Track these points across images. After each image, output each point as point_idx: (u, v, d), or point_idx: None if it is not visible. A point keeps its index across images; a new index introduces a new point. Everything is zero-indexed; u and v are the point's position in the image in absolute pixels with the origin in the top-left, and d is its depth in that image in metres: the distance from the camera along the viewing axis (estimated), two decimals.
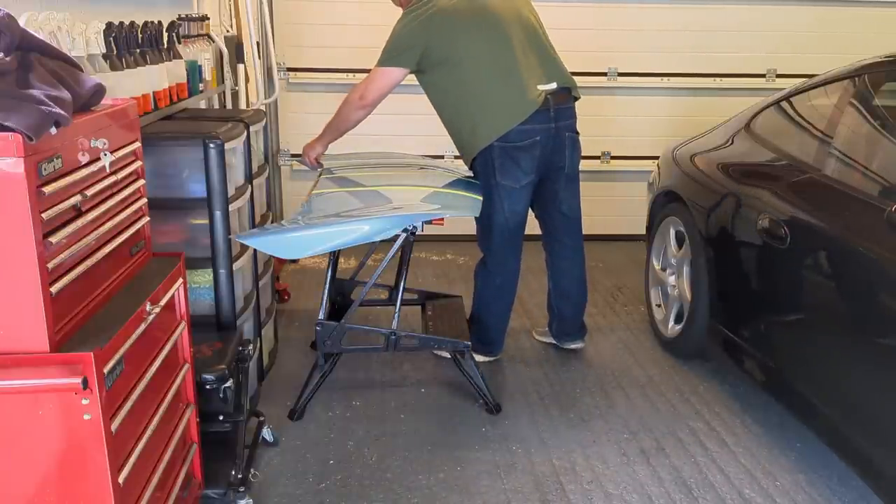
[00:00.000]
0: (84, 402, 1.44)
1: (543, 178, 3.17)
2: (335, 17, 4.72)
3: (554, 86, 3.08)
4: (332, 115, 4.98)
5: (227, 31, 3.78)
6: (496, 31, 3.06)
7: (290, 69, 4.79)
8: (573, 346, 3.50)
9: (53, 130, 1.41)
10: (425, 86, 3.19)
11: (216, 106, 3.59)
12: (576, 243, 3.34)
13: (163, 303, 1.82)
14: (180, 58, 2.85)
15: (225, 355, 2.33)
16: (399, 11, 3.18)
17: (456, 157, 4.80)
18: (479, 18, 3.04)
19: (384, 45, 3.09)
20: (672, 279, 3.49)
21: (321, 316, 2.95)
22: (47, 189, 1.41)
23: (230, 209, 2.55)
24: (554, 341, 3.53)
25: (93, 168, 1.60)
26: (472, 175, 3.22)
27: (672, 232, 3.51)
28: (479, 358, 3.23)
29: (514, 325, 3.77)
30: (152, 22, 2.61)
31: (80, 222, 1.54)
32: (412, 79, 4.80)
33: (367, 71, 4.98)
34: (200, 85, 3.10)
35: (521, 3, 3.17)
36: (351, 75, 4.79)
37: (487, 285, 3.26)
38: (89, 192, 1.58)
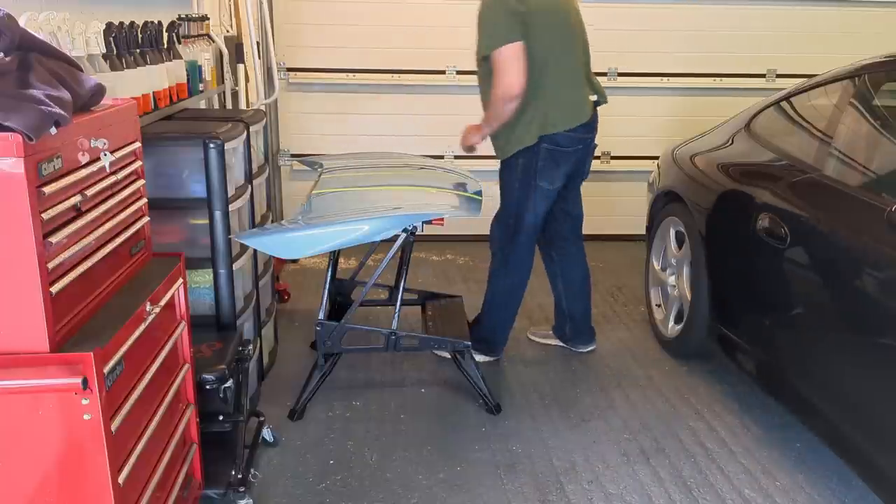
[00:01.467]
0: (84, 402, 1.44)
1: (565, 183, 3.18)
2: (335, 17, 4.73)
3: (595, 97, 3.13)
4: (331, 114, 5.01)
5: (227, 31, 3.78)
6: (566, 29, 3.03)
7: (290, 69, 4.79)
8: (588, 348, 3.49)
9: (53, 130, 1.41)
10: (485, 69, 3.01)
11: (216, 106, 3.59)
12: (580, 241, 3.38)
13: (163, 303, 1.82)
14: (180, 58, 2.85)
15: (225, 355, 2.33)
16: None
17: (456, 157, 4.83)
18: (554, 10, 3.00)
19: (482, 33, 2.94)
20: (672, 279, 3.49)
21: (321, 316, 2.95)
22: (47, 189, 1.41)
23: (230, 209, 2.55)
24: (560, 343, 3.52)
25: (93, 168, 1.60)
26: (473, 175, 3.22)
27: (672, 232, 3.51)
28: (481, 358, 3.24)
29: (515, 325, 3.77)
30: (152, 22, 2.61)
31: (80, 222, 1.54)
32: (411, 79, 4.87)
33: (368, 71, 4.99)
34: (200, 85, 3.10)
35: (576, 5, 3.13)
36: (351, 75, 4.80)
37: (505, 284, 3.24)
38: (89, 193, 1.58)
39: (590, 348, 3.49)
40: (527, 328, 3.73)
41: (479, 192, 3.02)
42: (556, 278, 3.42)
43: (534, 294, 4.09)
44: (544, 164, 3.03)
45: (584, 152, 3.15)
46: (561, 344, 3.52)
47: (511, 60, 2.86)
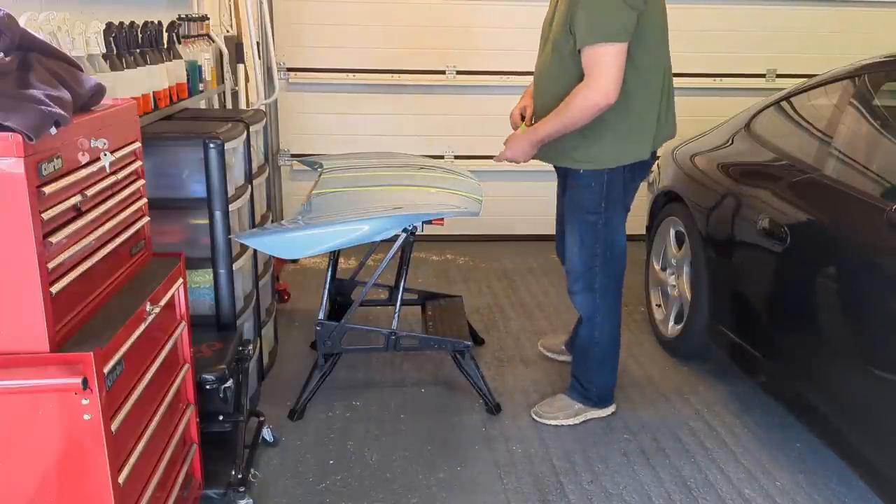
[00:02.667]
0: (84, 402, 1.44)
1: None
2: (335, 17, 4.73)
3: None
4: (331, 114, 5.00)
5: (227, 31, 3.78)
6: (665, 28, 2.65)
7: (290, 69, 4.79)
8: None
9: (53, 130, 1.41)
10: (572, 62, 2.53)
11: (216, 106, 3.59)
12: None
13: (163, 303, 1.82)
14: (180, 58, 2.85)
15: (225, 355, 2.33)
16: None
17: (456, 157, 4.83)
18: (663, 6, 2.62)
19: (589, 16, 2.43)
20: (672, 279, 3.49)
21: (321, 316, 2.95)
22: (47, 189, 1.41)
23: (230, 209, 2.55)
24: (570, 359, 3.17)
25: (93, 168, 1.60)
26: (473, 175, 3.22)
27: (672, 232, 3.51)
28: (599, 413, 2.93)
29: (514, 325, 3.78)
30: (152, 22, 2.61)
31: (80, 222, 1.54)
32: (411, 79, 4.87)
33: (368, 71, 4.98)
34: (200, 85, 3.11)
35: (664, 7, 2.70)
36: (351, 75, 4.81)
37: (611, 325, 2.83)
38: (89, 193, 1.58)
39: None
40: (527, 329, 3.74)
41: (479, 193, 3.02)
42: None
43: (535, 295, 4.11)
44: (628, 182, 2.68)
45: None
46: (567, 359, 3.24)
47: (616, 62, 2.41)
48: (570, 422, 2.90)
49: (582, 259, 2.74)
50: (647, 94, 2.58)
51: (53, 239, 1.44)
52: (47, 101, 1.42)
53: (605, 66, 2.42)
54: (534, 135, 2.65)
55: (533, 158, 2.76)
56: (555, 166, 2.86)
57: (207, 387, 2.20)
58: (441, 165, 3.53)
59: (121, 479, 1.54)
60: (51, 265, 1.44)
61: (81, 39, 2.11)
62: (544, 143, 2.65)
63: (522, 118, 2.91)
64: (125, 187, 1.78)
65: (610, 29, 2.40)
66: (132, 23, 2.45)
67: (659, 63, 2.61)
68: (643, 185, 4.00)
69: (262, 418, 2.68)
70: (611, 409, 2.97)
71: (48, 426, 1.46)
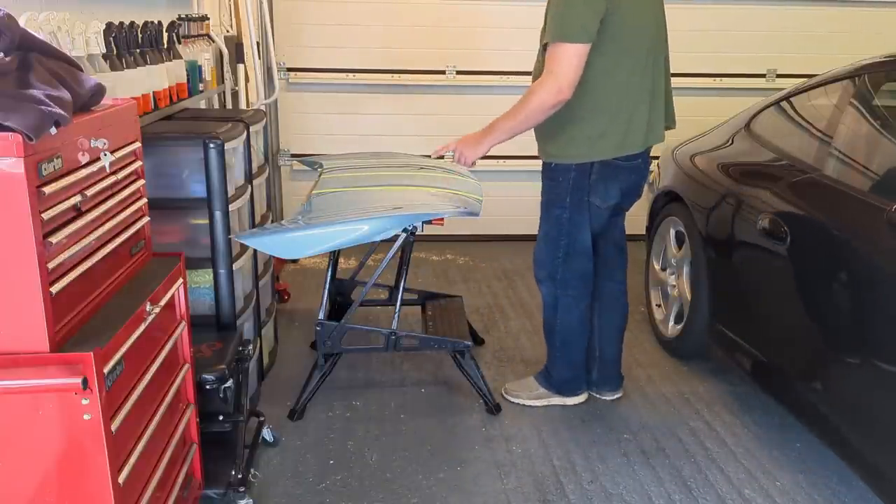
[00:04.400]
0: (84, 402, 1.44)
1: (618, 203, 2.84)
2: (335, 17, 4.73)
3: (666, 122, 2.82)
4: (331, 114, 5.00)
5: (227, 31, 3.78)
6: (655, 27, 2.67)
7: (290, 69, 4.79)
8: (615, 396, 3.08)
9: (53, 130, 1.41)
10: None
11: (216, 106, 3.59)
12: (624, 275, 3.04)
13: (163, 303, 1.82)
14: (180, 58, 2.85)
15: (225, 355, 2.33)
16: None
17: None
18: (645, 18, 2.63)
19: (553, 15, 2.51)
20: (672, 279, 3.49)
21: (321, 316, 2.95)
22: (47, 189, 1.41)
23: (230, 209, 2.55)
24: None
25: (93, 168, 1.60)
26: (473, 175, 3.21)
27: (672, 232, 3.51)
28: (570, 401, 3.00)
29: (514, 325, 3.78)
30: (152, 22, 2.61)
31: (80, 222, 1.54)
32: (411, 79, 4.87)
33: (368, 71, 4.97)
34: (200, 85, 3.11)
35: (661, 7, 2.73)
36: (351, 75, 4.81)
37: (573, 314, 2.88)
38: (89, 193, 1.58)
39: (617, 395, 3.08)
40: (527, 328, 3.74)
41: (479, 193, 3.02)
42: (593, 313, 2.99)
43: (535, 295, 4.09)
44: (597, 177, 2.68)
45: (645, 168, 2.81)
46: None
47: (571, 61, 2.47)
48: (531, 402, 3.00)
49: (546, 249, 2.85)
50: (621, 95, 2.60)
51: (53, 239, 1.44)
52: (47, 101, 1.42)
53: (559, 64, 2.48)
54: (488, 132, 2.72)
55: None
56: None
57: (207, 387, 2.20)
58: (441, 165, 3.52)
59: (121, 479, 1.54)
60: (51, 265, 1.44)
61: (81, 39, 2.11)
62: (499, 142, 2.70)
63: None
64: (125, 187, 1.78)
65: (568, 29, 2.46)
66: (132, 23, 2.45)
67: (640, 65, 2.61)
68: (643, 186, 4.02)
69: (262, 418, 2.68)
70: (578, 399, 3.03)
71: (48, 426, 1.46)
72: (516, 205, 4.92)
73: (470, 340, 3.00)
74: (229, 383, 2.28)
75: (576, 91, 2.52)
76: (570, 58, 2.47)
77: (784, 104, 3.15)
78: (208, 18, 3.39)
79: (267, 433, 2.68)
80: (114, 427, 1.51)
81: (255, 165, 2.95)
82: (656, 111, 2.73)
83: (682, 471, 2.63)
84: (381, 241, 2.71)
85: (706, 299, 3.14)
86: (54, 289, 1.44)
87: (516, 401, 3.02)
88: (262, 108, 3.86)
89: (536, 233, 2.89)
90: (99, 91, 1.69)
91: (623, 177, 2.73)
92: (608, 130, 2.62)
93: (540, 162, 2.82)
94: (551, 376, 3.01)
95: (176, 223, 2.56)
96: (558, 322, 2.91)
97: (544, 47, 2.58)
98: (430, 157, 3.07)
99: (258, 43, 4.01)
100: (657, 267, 3.68)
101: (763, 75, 5.01)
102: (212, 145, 2.45)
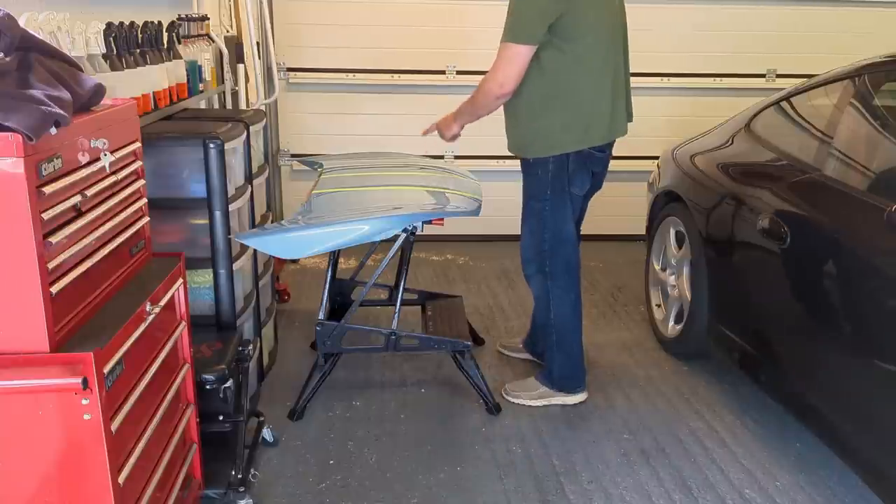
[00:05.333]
0: (84, 402, 1.44)
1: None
2: (335, 17, 4.73)
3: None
4: (331, 114, 5.00)
5: (227, 31, 3.78)
6: (612, 27, 2.78)
7: (290, 69, 4.79)
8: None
9: (53, 130, 1.41)
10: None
11: (216, 106, 3.59)
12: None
13: (163, 303, 1.82)
14: (180, 58, 2.85)
15: (225, 355, 2.33)
16: None
17: (456, 157, 4.83)
18: (608, 17, 2.76)
19: (510, 15, 2.64)
20: (672, 279, 3.49)
21: (321, 316, 2.95)
22: (47, 189, 1.41)
23: (230, 209, 2.55)
24: (531, 358, 3.33)
25: (93, 168, 1.60)
26: (473, 175, 3.22)
27: (672, 232, 3.51)
28: (571, 399, 3.01)
29: (515, 324, 3.78)
30: (152, 22, 2.61)
31: (80, 222, 1.54)
32: (411, 79, 4.87)
33: (368, 71, 4.98)
34: (200, 85, 3.10)
35: (621, 7, 2.87)
36: (351, 75, 4.80)
37: (566, 304, 2.94)
38: (89, 193, 1.58)
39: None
40: (527, 328, 3.73)
41: (479, 193, 3.02)
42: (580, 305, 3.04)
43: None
44: (575, 168, 2.79)
45: (608, 159, 2.95)
46: (532, 358, 3.32)
47: (521, 62, 2.64)
48: (532, 403, 3.01)
49: (531, 244, 2.94)
50: (591, 89, 2.74)
51: (53, 239, 1.44)
52: (47, 101, 1.42)
53: (504, 61, 2.67)
54: (456, 116, 2.99)
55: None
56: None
57: (207, 387, 2.20)
58: (441, 165, 3.53)
59: (121, 479, 1.54)
60: (51, 265, 1.44)
61: (81, 39, 2.11)
62: (466, 122, 2.97)
63: None
64: (125, 187, 1.78)
65: (517, 31, 2.62)
66: (132, 23, 2.45)
67: (606, 61, 2.75)
68: (643, 186, 4.03)
69: (262, 418, 2.68)
70: (579, 398, 3.03)
71: (48, 426, 1.46)
72: (516, 205, 4.89)
73: (470, 340, 3.00)
74: (229, 383, 2.27)
75: (538, 86, 2.70)
76: (513, 57, 2.65)
77: (784, 104, 3.15)
78: (208, 18, 3.39)
79: (267, 433, 2.68)
80: (114, 427, 1.51)
81: (255, 165, 2.95)
82: (618, 106, 2.84)
83: (682, 471, 2.63)
84: (381, 241, 2.72)
85: (706, 299, 3.14)
86: (54, 289, 1.44)
87: (517, 401, 3.02)
88: (262, 108, 3.86)
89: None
90: (99, 91, 1.69)
91: (594, 164, 2.86)
92: (571, 124, 2.74)
93: None
94: (552, 374, 3.02)
95: (176, 223, 2.56)
96: (552, 315, 2.95)
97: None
98: (426, 155, 3.11)
99: (258, 43, 4.01)
100: (657, 267, 3.68)
101: (763, 75, 5.01)
102: (212, 145, 2.45)
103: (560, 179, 2.80)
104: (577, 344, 3.00)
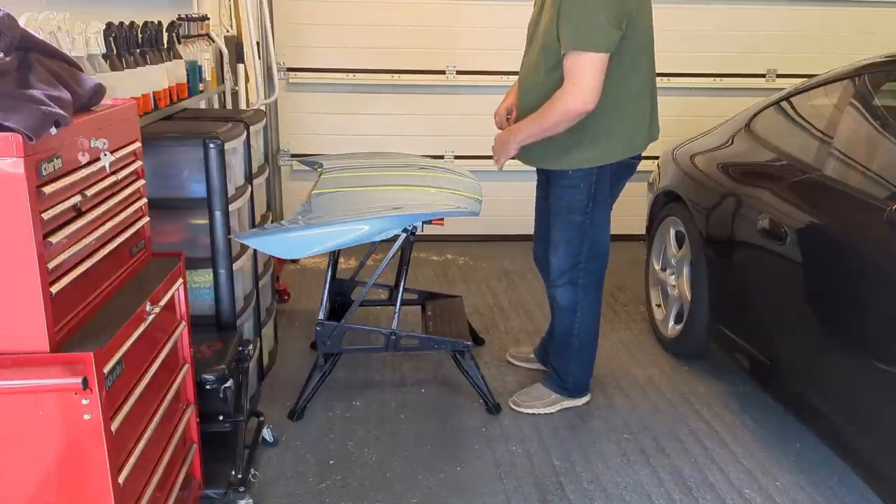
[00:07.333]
0: (84, 402, 1.44)
1: None
2: (335, 17, 4.73)
3: None
4: (331, 114, 5.00)
5: (227, 31, 3.78)
6: (650, 30, 2.70)
7: (290, 69, 4.79)
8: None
9: (53, 130, 1.41)
10: (561, 67, 2.52)
11: (216, 106, 3.59)
12: None
13: (163, 303, 1.82)
14: (180, 58, 2.85)
15: (225, 355, 2.33)
16: None
17: (456, 157, 4.83)
18: (648, 8, 2.66)
19: (576, 23, 2.45)
20: (672, 279, 3.49)
21: (321, 316, 2.95)
22: (47, 189, 1.41)
23: (230, 209, 2.55)
24: (541, 368, 3.23)
25: (93, 168, 1.60)
26: (473, 175, 3.22)
27: (672, 232, 3.51)
28: (576, 402, 3.01)
29: (515, 324, 3.78)
30: (152, 22, 2.61)
31: (80, 222, 1.54)
32: (411, 79, 4.87)
33: (368, 71, 4.96)
34: (200, 85, 3.10)
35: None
36: (351, 75, 4.81)
37: (592, 317, 2.91)
38: (89, 193, 1.58)
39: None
40: (528, 329, 3.74)
41: (479, 193, 3.02)
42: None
43: (535, 294, 4.10)
44: (616, 178, 2.74)
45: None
46: (543, 368, 3.22)
47: (596, 71, 2.44)
48: (547, 410, 2.97)
49: (567, 257, 2.80)
50: (637, 96, 2.68)
51: (53, 239, 1.44)
52: (47, 101, 1.42)
53: (585, 73, 2.45)
54: (516, 135, 2.69)
55: (512, 158, 2.79)
56: (537, 169, 2.91)
57: (207, 387, 2.20)
58: (441, 165, 3.53)
59: (121, 479, 1.54)
60: (51, 265, 1.44)
61: (81, 39, 2.11)
62: (525, 143, 2.68)
63: (508, 119, 2.94)
64: (125, 187, 1.78)
65: (595, 38, 2.44)
66: (132, 23, 2.45)
67: (648, 66, 2.70)
68: (643, 186, 4.02)
69: (262, 418, 2.68)
70: (585, 399, 3.04)
71: (48, 426, 1.46)
72: (516, 205, 4.90)
73: (470, 340, 3.00)
74: (229, 383, 2.28)
75: None
76: (594, 67, 2.45)
77: (784, 104, 3.16)
78: (208, 18, 3.39)
79: (267, 433, 2.68)
80: (114, 427, 1.51)
81: (255, 165, 2.95)
82: (654, 110, 2.80)
83: (682, 471, 2.63)
84: (381, 241, 2.72)
85: (706, 299, 3.14)
86: (54, 289, 1.44)
87: (531, 411, 2.96)
88: (262, 108, 3.86)
89: (528, 233, 2.85)
90: (99, 91, 1.69)
91: (630, 171, 2.81)
92: (627, 130, 2.67)
93: None
94: (565, 381, 2.98)
95: (176, 223, 2.56)
96: (577, 325, 2.89)
97: (543, 49, 2.58)
98: (426, 155, 3.06)
99: (258, 43, 4.01)
100: (657, 267, 3.68)
101: (763, 75, 5.01)
102: (212, 145, 2.45)
103: (603, 190, 2.70)
104: (594, 350, 2.99)
